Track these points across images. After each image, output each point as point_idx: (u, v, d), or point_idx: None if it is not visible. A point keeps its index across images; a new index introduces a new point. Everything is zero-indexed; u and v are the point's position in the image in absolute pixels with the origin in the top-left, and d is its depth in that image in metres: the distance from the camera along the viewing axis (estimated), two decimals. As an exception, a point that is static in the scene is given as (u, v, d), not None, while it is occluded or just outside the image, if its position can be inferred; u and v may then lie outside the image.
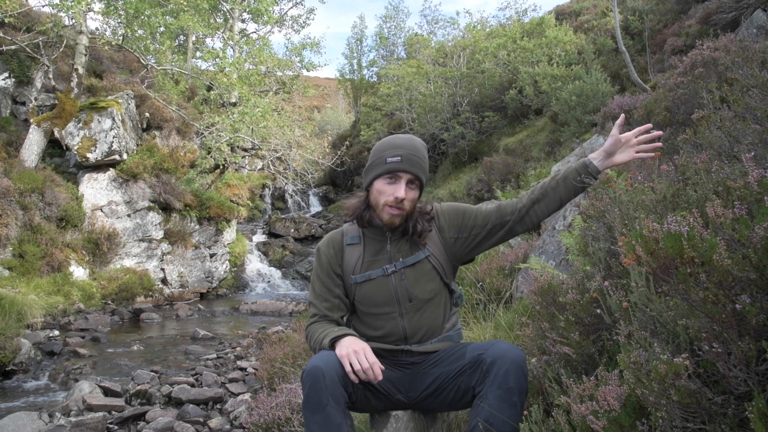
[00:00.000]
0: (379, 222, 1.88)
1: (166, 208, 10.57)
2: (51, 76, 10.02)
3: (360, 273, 1.88)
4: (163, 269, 10.33)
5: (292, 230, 14.88)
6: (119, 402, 4.48)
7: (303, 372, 1.64)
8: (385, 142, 1.87)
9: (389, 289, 1.85)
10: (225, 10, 14.23)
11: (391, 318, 1.86)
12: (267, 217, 16.81)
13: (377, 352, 1.86)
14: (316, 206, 19.60)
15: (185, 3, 11.22)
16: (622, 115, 1.84)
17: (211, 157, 11.91)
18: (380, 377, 1.61)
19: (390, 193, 1.80)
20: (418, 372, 1.84)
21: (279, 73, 15.80)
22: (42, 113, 10.09)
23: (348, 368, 1.60)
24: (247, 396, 4.61)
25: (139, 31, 11.21)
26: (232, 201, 12.71)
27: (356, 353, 1.62)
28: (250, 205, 15.33)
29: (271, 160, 13.01)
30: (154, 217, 10.35)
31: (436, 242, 1.91)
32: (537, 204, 1.86)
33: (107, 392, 4.67)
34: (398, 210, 1.81)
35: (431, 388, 1.80)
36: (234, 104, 12.18)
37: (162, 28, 12.30)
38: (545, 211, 1.86)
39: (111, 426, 4.04)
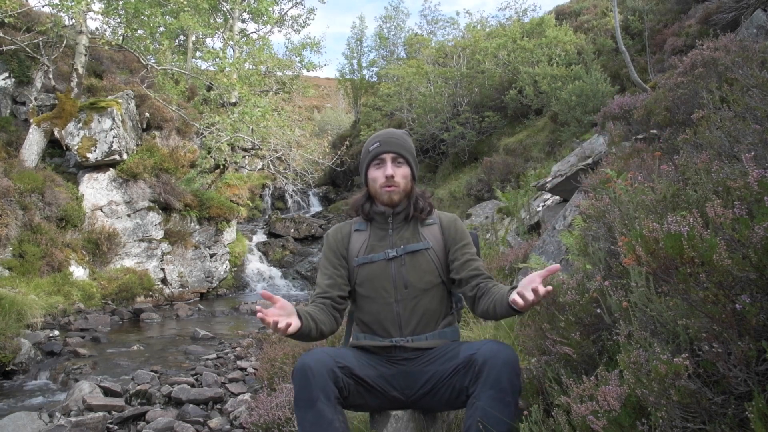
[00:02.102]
0: (380, 209, 1.98)
1: (166, 208, 10.56)
2: (51, 76, 10.01)
3: (363, 255, 1.97)
4: (163, 269, 10.32)
5: (292, 230, 14.88)
6: (119, 402, 4.47)
7: (293, 370, 1.66)
8: (367, 139, 2.06)
9: (389, 273, 1.92)
10: (225, 10, 14.20)
11: (387, 303, 1.91)
12: (267, 217, 16.80)
13: (372, 350, 1.91)
14: (316, 206, 19.58)
15: (185, 3, 11.22)
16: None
17: (211, 157, 11.90)
18: (280, 325, 1.54)
19: (381, 175, 1.95)
20: (413, 369, 1.86)
21: (279, 73, 15.80)
22: (42, 113, 10.08)
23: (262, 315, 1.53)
24: (247, 396, 4.60)
25: (139, 31, 11.20)
26: (232, 201, 12.69)
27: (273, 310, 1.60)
28: (250, 205, 15.31)
29: (271, 160, 13.00)
30: (154, 217, 10.34)
31: (438, 239, 1.98)
32: (478, 307, 1.85)
33: (107, 392, 4.66)
34: (392, 186, 1.93)
35: (427, 386, 1.81)
36: (234, 104, 12.16)
37: (162, 28, 12.29)
38: (480, 314, 1.87)
39: (111, 426, 4.03)
